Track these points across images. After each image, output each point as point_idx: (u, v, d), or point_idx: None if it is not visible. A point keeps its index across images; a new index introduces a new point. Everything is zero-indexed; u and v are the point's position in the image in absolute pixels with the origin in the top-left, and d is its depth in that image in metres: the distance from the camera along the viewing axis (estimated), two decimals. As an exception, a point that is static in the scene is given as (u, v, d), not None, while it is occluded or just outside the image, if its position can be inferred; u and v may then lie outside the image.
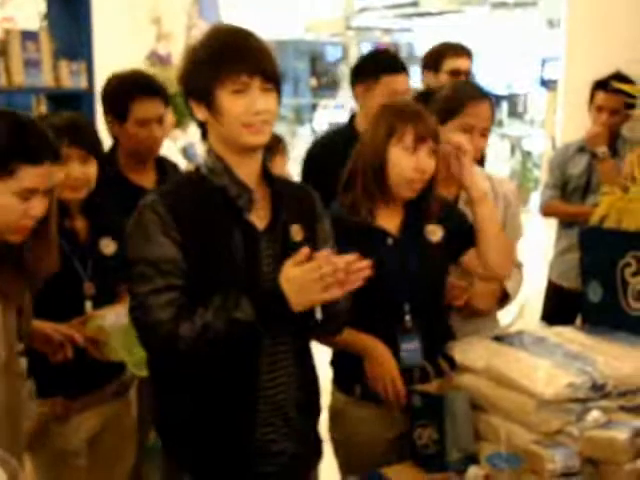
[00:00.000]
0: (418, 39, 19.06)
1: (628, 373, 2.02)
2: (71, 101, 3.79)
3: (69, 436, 2.40)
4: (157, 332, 1.82)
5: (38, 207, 1.89)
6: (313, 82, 21.06)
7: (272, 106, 1.86)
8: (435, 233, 2.33)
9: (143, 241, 1.84)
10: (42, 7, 4.09)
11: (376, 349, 2.23)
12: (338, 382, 2.40)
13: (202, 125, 1.92)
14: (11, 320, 1.99)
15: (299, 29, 18.42)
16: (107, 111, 2.83)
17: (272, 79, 1.86)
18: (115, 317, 2.26)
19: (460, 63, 3.58)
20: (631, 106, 3.44)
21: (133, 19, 7.53)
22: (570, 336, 2.25)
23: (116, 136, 2.84)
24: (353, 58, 19.64)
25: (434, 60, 3.66)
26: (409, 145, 2.22)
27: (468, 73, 3.40)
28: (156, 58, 7.39)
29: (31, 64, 3.52)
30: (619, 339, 2.24)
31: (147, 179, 2.85)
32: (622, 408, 1.99)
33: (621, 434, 1.83)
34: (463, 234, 2.35)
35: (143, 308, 1.83)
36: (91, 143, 2.39)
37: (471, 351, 2.20)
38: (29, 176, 1.85)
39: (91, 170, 2.38)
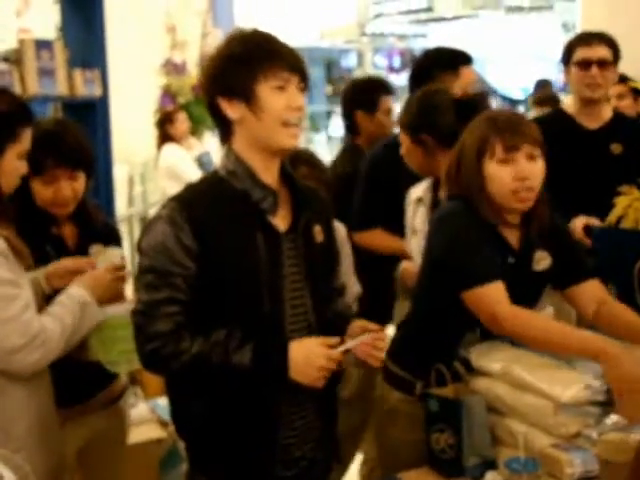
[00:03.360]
0: (433, 45, 18.99)
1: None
2: (86, 109, 3.80)
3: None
4: (152, 343, 1.84)
5: (24, 166, 1.99)
6: (328, 89, 21.05)
7: (305, 106, 1.89)
8: (543, 260, 2.26)
9: (156, 251, 1.84)
10: (57, 17, 4.11)
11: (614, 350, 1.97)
12: (396, 381, 2.36)
13: (225, 126, 1.91)
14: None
15: (314, 36, 18.45)
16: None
17: (306, 80, 1.89)
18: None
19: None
20: None
21: (148, 28, 7.58)
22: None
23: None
24: (368, 65, 19.67)
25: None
26: (501, 157, 2.16)
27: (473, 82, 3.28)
28: (171, 66, 7.42)
29: (45, 73, 3.53)
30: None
31: None
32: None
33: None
34: (572, 264, 2.29)
35: (145, 316, 1.85)
36: (76, 157, 2.31)
37: (488, 354, 2.18)
38: (27, 138, 1.95)
39: (79, 183, 2.34)
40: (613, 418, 1.90)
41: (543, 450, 1.90)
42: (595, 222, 2.82)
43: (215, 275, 1.84)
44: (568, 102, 3.40)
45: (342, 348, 1.87)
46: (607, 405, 1.93)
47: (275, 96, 1.84)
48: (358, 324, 1.98)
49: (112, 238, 2.50)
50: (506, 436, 2.06)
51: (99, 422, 2.47)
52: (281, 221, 1.93)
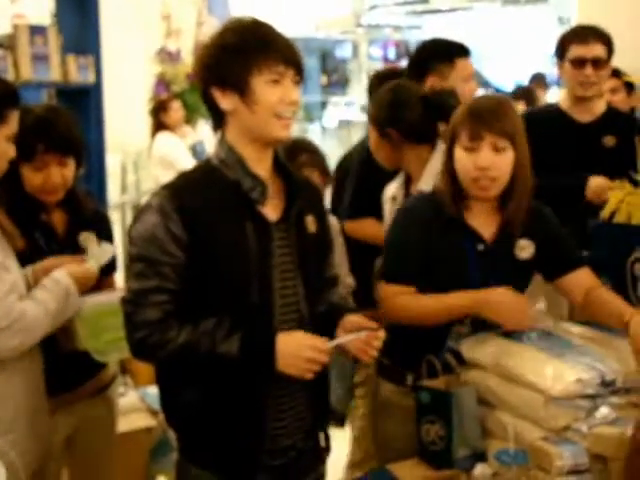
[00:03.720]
0: (428, 36, 18.96)
1: (638, 369, 2.00)
2: (79, 96, 3.79)
3: None
4: (140, 331, 1.85)
5: (12, 149, 1.96)
6: (323, 80, 21.02)
7: (299, 99, 1.89)
8: (526, 249, 2.27)
9: (146, 240, 1.84)
10: (52, 3, 4.09)
11: (491, 295, 2.14)
12: (387, 372, 2.39)
13: (218, 115, 1.90)
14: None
15: (309, 27, 18.40)
16: None
17: (301, 73, 1.89)
18: (80, 303, 2.21)
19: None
20: None
21: (143, 15, 7.55)
22: (579, 332, 2.23)
23: None
24: (363, 56, 19.62)
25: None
26: (466, 144, 2.18)
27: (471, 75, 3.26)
28: (165, 55, 7.40)
29: (39, 59, 3.52)
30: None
31: None
32: (632, 404, 1.97)
33: (630, 431, 1.80)
34: (561, 254, 2.31)
35: (134, 304, 1.86)
36: (66, 143, 2.31)
37: (479, 347, 2.18)
38: (15, 120, 1.94)
39: (69, 170, 2.33)
40: (603, 412, 1.90)
41: (533, 443, 1.90)
42: (608, 183, 2.86)
43: (204, 264, 1.84)
44: (562, 96, 3.39)
45: (334, 342, 1.87)
46: (597, 398, 1.94)
47: (269, 89, 1.84)
48: (353, 319, 1.97)
49: (102, 225, 2.49)
50: (496, 428, 2.06)
51: (88, 410, 2.47)
52: (272, 211, 1.93)
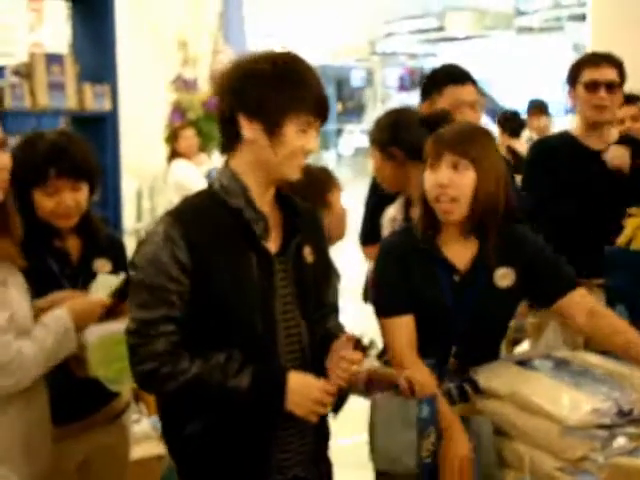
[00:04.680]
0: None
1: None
2: (95, 123, 3.82)
3: (57, 461, 2.24)
4: (149, 363, 1.82)
5: (8, 158, 1.93)
6: (339, 107, 21.14)
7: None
8: (506, 277, 2.23)
9: (151, 267, 1.82)
10: (69, 32, 4.14)
11: (454, 429, 2.06)
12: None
13: (232, 139, 1.88)
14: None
15: (325, 54, 18.54)
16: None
17: (325, 122, 1.91)
18: (90, 332, 2.20)
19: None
20: None
21: (159, 44, 7.62)
22: (595, 361, 2.20)
23: None
24: (378, 83, 19.71)
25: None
26: (429, 163, 2.19)
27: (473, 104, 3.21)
28: (181, 83, 7.45)
29: (55, 87, 3.55)
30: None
31: None
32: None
33: (648, 462, 1.78)
34: (552, 278, 2.27)
35: (140, 335, 1.83)
36: (79, 168, 2.30)
37: (495, 376, 2.16)
38: None
39: (82, 195, 2.32)
40: (620, 442, 1.88)
41: (549, 473, 1.88)
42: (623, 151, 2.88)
43: (207, 294, 1.83)
44: (574, 123, 3.38)
45: (334, 385, 1.86)
46: (614, 428, 1.91)
47: (297, 136, 1.84)
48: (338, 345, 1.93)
49: (117, 252, 2.48)
50: (512, 458, 2.04)
51: (101, 438, 2.45)
52: (272, 243, 1.92)
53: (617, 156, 3.04)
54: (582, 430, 1.90)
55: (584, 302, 2.25)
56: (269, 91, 1.81)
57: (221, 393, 1.81)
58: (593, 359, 2.23)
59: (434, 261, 2.21)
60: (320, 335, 1.99)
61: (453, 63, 3.26)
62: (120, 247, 2.56)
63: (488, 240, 2.20)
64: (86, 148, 2.37)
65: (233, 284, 1.83)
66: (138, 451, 3.17)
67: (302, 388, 1.82)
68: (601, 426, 1.90)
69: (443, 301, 2.18)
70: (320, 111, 1.87)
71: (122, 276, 2.29)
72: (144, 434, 3.41)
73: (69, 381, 2.14)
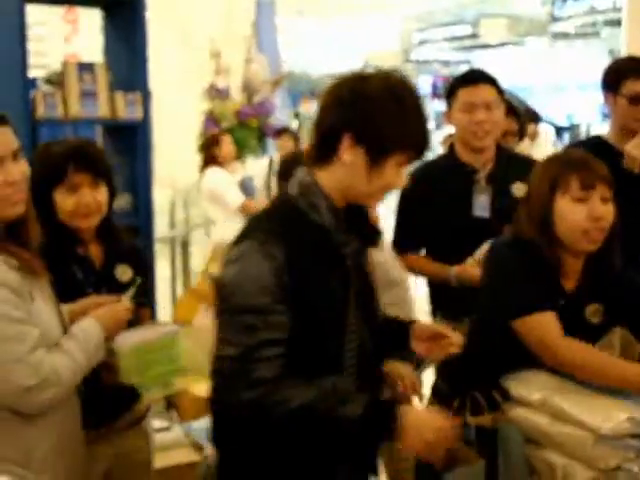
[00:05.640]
0: (478, 71, 18.92)
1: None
2: (127, 131, 3.84)
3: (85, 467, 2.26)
4: (255, 390, 1.73)
5: (13, 172, 1.86)
6: (372, 115, 21.08)
7: None
8: (596, 315, 2.20)
9: (254, 288, 1.73)
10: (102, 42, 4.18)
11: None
12: (439, 396, 2.38)
13: (328, 154, 1.81)
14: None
15: (358, 62, 18.54)
16: None
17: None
18: (123, 339, 2.18)
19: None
20: None
21: (192, 53, 7.69)
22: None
23: None
24: (412, 91, 19.54)
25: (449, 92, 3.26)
26: (576, 194, 2.13)
27: (489, 104, 3.15)
28: (214, 91, 7.50)
29: (88, 95, 3.58)
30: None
31: None
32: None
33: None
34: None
35: (245, 361, 1.73)
36: (99, 167, 2.33)
37: (526, 383, 2.13)
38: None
39: (102, 195, 2.34)
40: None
41: (582, 483, 1.84)
42: None
43: (301, 312, 1.76)
44: (609, 128, 3.31)
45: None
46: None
47: (394, 171, 1.79)
48: (426, 326, 1.95)
49: (136, 258, 2.49)
50: (544, 468, 2.01)
51: (125, 443, 2.46)
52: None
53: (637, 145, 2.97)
54: (616, 439, 1.87)
55: None
56: (382, 121, 1.75)
57: (329, 421, 1.74)
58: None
59: (550, 281, 2.17)
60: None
61: (475, 68, 3.25)
62: (140, 254, 2.58)
63: (599, 269, 2.20)
64: (102, 151, 2.43)
65: (324, 302, 1.80)
66: (169, 459, 3.18)
67: (417, 424, 1.75)
68: (636, 435, 1.87)
69: None
70: (423, 148, 1.83)
71: (138, 279, 2.30)
72: (176, 441, 3.41)
73: (93, 387, 2.14)
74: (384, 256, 2.85)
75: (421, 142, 1.81)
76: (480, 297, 2.29)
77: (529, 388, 2.10)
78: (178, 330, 2.31)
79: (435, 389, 2.42)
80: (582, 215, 2.12)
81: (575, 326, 2.16)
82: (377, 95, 1.76)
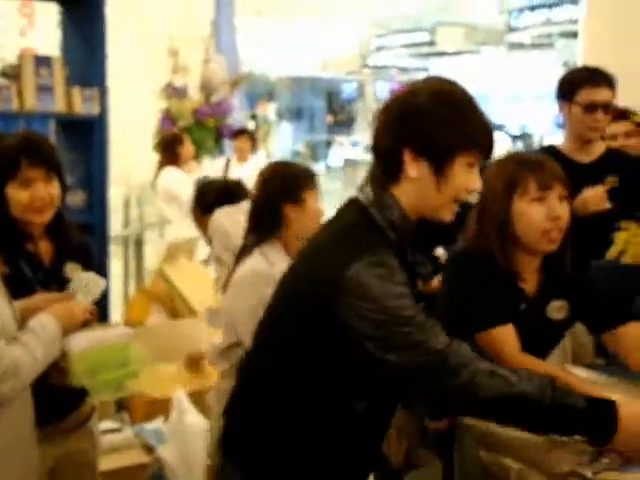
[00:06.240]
0: (434, 78, 19.11)
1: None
2: (83, 127, 3.79)
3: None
4: (462, 374, 1.71)
5: None
6: (329, 119, 21.17)
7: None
8: (560, 311, 2.22)
9: (397, 300, 1.72)
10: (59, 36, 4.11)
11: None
12: None
13: (394, 173, 1.80)
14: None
15: (316, 66, 18.57)
16: None
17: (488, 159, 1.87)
18: (75, 340, 2.14)
19: None
20: None
21: (150, 50, 7.62)
22: (583, 375, 2.19)
23: None
24: (369, 96, 19.75)
25: None
26: (535, 195, 2.14)
27: None
28: (172, 90, 7.44)
29: (44, 89, 3.53)
30: (635, 378, 2.17)
31: None
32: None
33: (635, 478, 1.76)
34: (606, 313, 2.24)
35: (439, 354, 1.72)
36: (52, 162, 2.31)
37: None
38: None
39: (55, 190, 2.31)
40: (608, 457, 1.85)
41: (536, 488, 1.85)
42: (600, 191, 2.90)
43: None
44: (563, 137, 3.35)
45: None
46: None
47: (463, 173, 1.78)
48: None
49: (87, 258, 2.45)
50: (499, 473, 2.01)
51: (70, 444, 2.43)
52: None
53: (593, 203, 3.01)
54: (570, 444, 1.88)
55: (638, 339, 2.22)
56: (436, 128, 1.75)
57: (553, 408, 1.73)
58: (581, 373, 2.22)
59: (510, 287, 2.18)
60: None
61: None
62: (91, 254, 2.53)
63: (557, 268, 2.20)
64: (53, 145, 2.39)
65: None
66: (119, 460, 3.14)
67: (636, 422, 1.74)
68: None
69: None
70: (487, 145, 1.81)
71: (103, 281, 2.26)
72: (126, 443, 3.37)
73: (40, 386, 2.10)
74: None
75: (482, 139, 1.80)
76: (438, 307, 2.28)
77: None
78: (130, 333, 2.29)
79: None
80: (541, 215, 2.12)
81: (538, 326, 2.18)
82: (426, 104, 1.77)
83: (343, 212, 1.91)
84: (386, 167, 1.82)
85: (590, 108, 3.11)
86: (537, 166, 2.15)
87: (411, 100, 1.79)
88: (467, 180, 1.79)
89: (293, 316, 1.83)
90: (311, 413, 1.83)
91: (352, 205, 1.88)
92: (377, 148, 1.84)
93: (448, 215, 1.83)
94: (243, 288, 2.62)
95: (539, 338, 2.17)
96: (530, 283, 2.21)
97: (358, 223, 1.82)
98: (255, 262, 2.62)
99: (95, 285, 2.25)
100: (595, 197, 2.99)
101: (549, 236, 2.13)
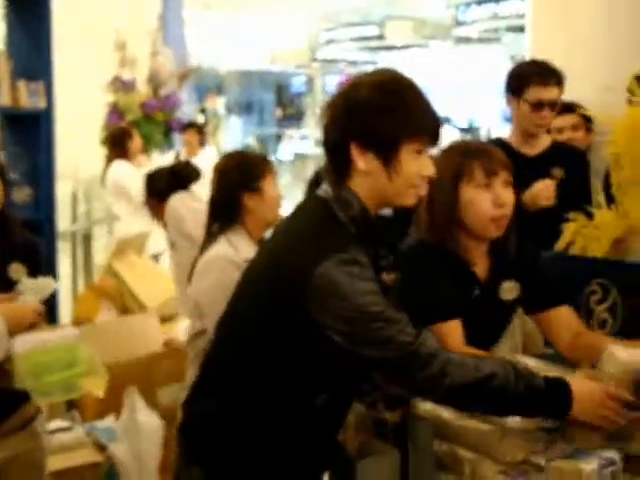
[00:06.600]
0: (383, 72, 19.16)
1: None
2: (29, 121, 3.73)
3: None
4: (432, 365, 1.76)
5: None
6: (278, 112, 21.12)
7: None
8: (511, 291, 2.24)
9: (367, 297, 1.74)
10: (3, 28, 4.04)
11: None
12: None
13: (344, 168, 1.82)
14: None
15: (265, 60, 18.50)
16: None
17: (437, 143, 1.87)
18: (20, 342, 2.11)
19: None
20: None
21: (97, 43, 7.50)
22: (533, 364, 2.21)
23: None
24: (318, 89, 19.75)
25: None
26: (481, 181, 2.16)
27: None
28: (119, 83, 7.34)
29: (-12, 83, 3.46)
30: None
31: None
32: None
33: (588, 464, 1.79)
34: (541, 291, 2.28)
35: (407, 347, 1.76)
36: None
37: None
38: None
39: None
40: (561, 445, 1.88)
41: (490, 477, 1.87)
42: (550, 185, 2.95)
43: None
44: (510, 131, 3.39)
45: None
46: (555, 431, 1.91)
47: (413, 161, 1.80)
48: None
49: (33, 255, 2.40)
50: (452, 463, 2.02)
51: (14, 445, 2.38)
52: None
53: (543, 197, 3.05)
54: (523, 433, 1.90)
55: (568, 322, 2.27)
56: (379, 120, 1.77)
57: (518, 390, 1.80)
58: (531, 362, 2.24)
59: (463, 274, 2.21)
60: None
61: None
62: (38, 251, 2.48)
63: (505, 253, 2.23)
64: None
65: None
66: (70, 459, 3.10)
67: (586, 394, 1.82)
68: (542, 429, 1.90)
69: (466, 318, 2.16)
70: (433, 132, 1.82)
71: (53, 282, 2.23)
72: (77, 442, 3.33)
73: None
74: None
75: (427, 125, 1.81)
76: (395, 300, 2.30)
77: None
78: (77, 334, 2.25)
79: None
80: (488, 202, 2.15)
81: (493, 309, 2.22)
82: (368, 97, 1.79)
83: (306, 208, 1.93)
84: (337, 162, 1.84)
85: (538, 106, 3.16)
86: (482, 153, 2.18)
87: (354, 94, 1.81)
88: (419, 167, 1.81)
89: (261, 310, 1.83)
90: (274, 407, 1.84)
91: (314, 201, 1.89)
92: (326, 144, 1.86)
93: (409, 200, 1.85)
94: (209, 273, 2.63)
95: (493, 321, 2.20)
96: (481, 267, 2.24)
97: (323, 219, 1.83)
98: (220, 247, 2.66)
99: (44, 287, 2.21)
100: (545, 191, 3.03)
101: (497, 223, 2.16)
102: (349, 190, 1.83)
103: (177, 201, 3.37)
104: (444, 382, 1.77)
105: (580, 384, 1.85)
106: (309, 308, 1.74)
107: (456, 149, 2.24)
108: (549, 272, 2.32)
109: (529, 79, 3.21)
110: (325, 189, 1.86)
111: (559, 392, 1.83)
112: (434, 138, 1.84)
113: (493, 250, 2.25)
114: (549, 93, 3.17)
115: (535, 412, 1.85)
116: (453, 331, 2.14)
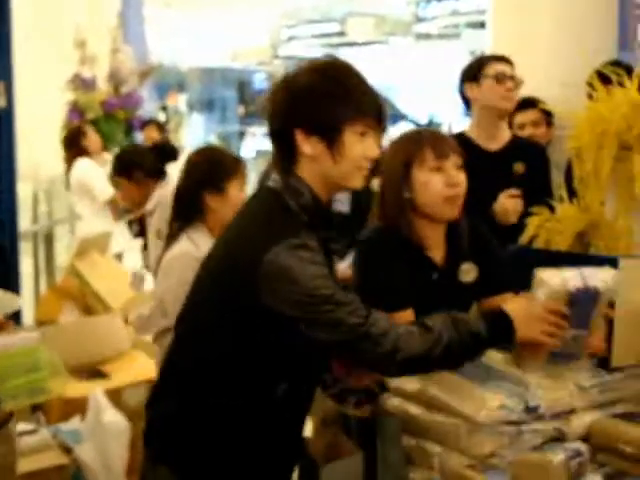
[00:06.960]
0: (344, 69, 19.16)
1: (560, 395, 2.00)
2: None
3: None
4: (383, 344, 1.80)
5: None
6: (241, 110, 21.05)
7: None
8: (469, 273, 2.27)
9: (321, 279, 1.77)
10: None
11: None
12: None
13: (291, 155, 1.86)
14: None
15: (226, 57, 18.42)
16: None
17: (385, 127, 1.89)
18: None
19: None
20: None
21: (57, 42, 7.41)
22: (498, 358, 2.23)
23: None
24: (280, 86, 19.58)
25: None
26: (432, 164, 2.18)
27: None
28: (80, 81, 7.26)
29: (-54, 82, 3.40)
30: (549, 361, 2.22)
31: None
32: (556, 430, 1.97)
33: (555, 457, 1.81)
34: (494, 277, 2.31)
35: (360, 328, 1.79)
36: None
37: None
38: None
39: None
40: (527, 438, 1.90)
41: (458, 471, 1.88)
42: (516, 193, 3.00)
43: None
44: (469, 124, 3.41)
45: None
46: (521, 424, 1.93)
47: (357, 142, 1.83)
48: None
49: None
50: (422, 457, 2.04)
51: None
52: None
53: (513, 211, 3.08)
54: (490, 427, 1.92)
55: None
56: (321, 104, 1.80)
57: (468, 338, 1.86)
58: (496, 356, 2.26)
59: (419, 259, 2.23)
60: None
61: None
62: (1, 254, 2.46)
63: (461, 235, 2.27)
64: None
65: None
66: (36, 462, 3.06)
67: (525, 313, 1.88)
68: (509, 422, 1.92)
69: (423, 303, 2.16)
70: (376, 113, 1.85)
71: (17, 299, 2.21)
72: (42, 444, 3.29)
73: None
74: None
75: (367, 107, 1.84)
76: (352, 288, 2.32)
77: (405, 378, 2.13)
78: (38, 337, 2.23)
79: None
80: (440, 184, 2.18)
81: (452, 292, 2.24)
82: (307, 83, 1.82)
83: (257, 199, 1.97)
84: (283, 150, 1.87)
85: (500, 77, 3.18)
86: (432, 137, 2.23)
87: (293, 81, 1.85)
88: (363, 148, 1.84)
89: (217, 302, 1.85)
90: (234, 398, 1.85)
91: (265, 191, 1.93)
92: (271, 133, 1.89)
93: (356, 183, 1.88)
94: (172, 270, 2.62)
95: (454, 305, 2.21)
96: (438, 251, 2.27)
97: (274, 209, 1.86)
98: (182, 245, 2.65)
99: (7, 304, 2.20)
100: (515, 207, 3.05)
101: (451, 203, 2.19)
102: (297, 177, 1.86)
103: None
104: (396, 358, 1.81)
105: (517, 308, 1.89)
106: (260, 295, 1.76)
107: (407, 137, 2.28)
108: (503, 258, 2.36)
109: (486, 59, 3.29)
110: (274, 179, 1.90)
111: (500, 324, 1.88)
112: (378, 120, 1.86)
113: (449, 234, 2.28)
114: (507, 68, 3.21)
115: (484, 350, 1.93)
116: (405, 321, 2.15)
